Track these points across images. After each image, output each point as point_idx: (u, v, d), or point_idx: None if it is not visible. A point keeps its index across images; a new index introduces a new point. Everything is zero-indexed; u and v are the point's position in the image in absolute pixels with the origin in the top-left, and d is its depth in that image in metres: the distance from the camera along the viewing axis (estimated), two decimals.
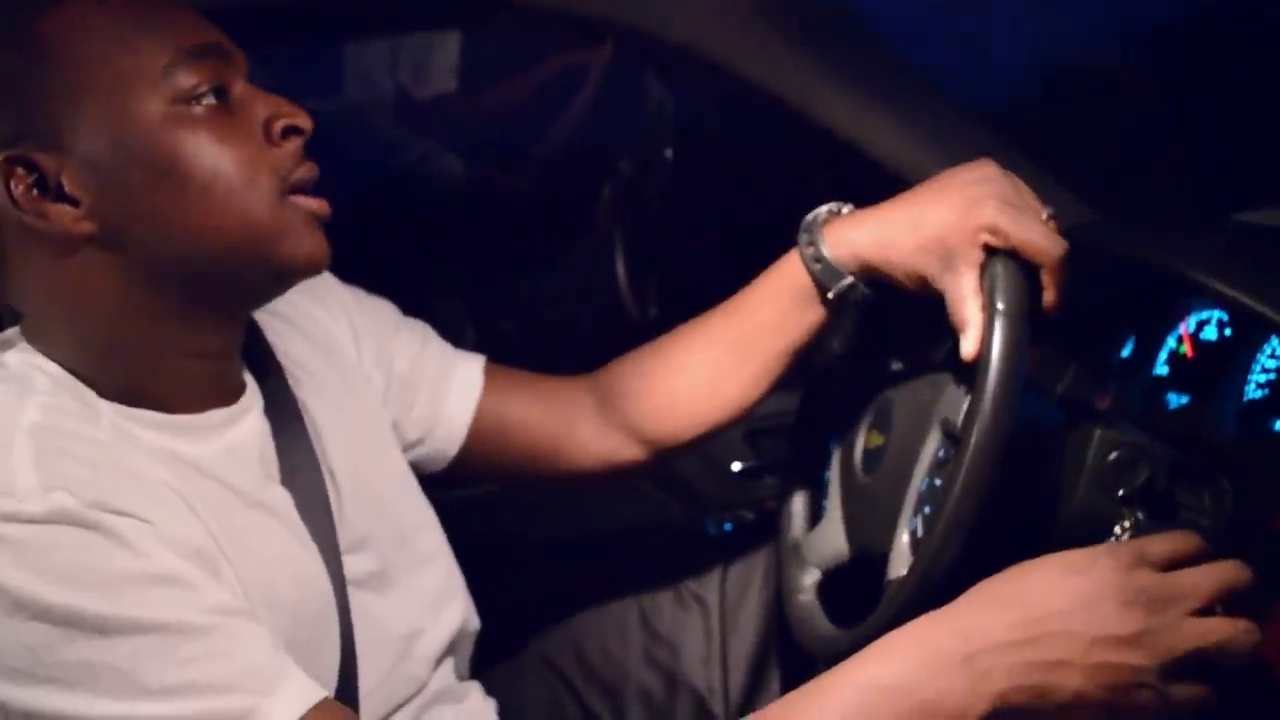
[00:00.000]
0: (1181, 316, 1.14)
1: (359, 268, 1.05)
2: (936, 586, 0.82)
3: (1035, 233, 0.86)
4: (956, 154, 1.20)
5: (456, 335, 1.98)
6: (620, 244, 2.02)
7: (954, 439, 0.87)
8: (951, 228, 0.87)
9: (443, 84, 2.08)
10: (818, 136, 1.26)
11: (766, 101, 1.25)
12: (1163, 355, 1.16)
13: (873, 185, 1.26)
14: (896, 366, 1.06)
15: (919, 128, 1.21)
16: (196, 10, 0.81)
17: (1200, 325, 1.13)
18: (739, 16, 1.20)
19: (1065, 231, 0.90)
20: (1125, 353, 1.20)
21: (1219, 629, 0.73)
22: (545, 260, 1.99)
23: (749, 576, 1.21)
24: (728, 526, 1.40)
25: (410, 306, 1.10)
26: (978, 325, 0.85)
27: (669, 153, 1.99)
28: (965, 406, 0.85)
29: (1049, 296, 0.87)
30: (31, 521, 0.69)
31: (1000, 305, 0.83)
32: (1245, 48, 1.20)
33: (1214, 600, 0.74)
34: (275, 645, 0.75)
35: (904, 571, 0.88)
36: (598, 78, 1.92)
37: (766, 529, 1.20)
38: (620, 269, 2.01)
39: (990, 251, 0.86)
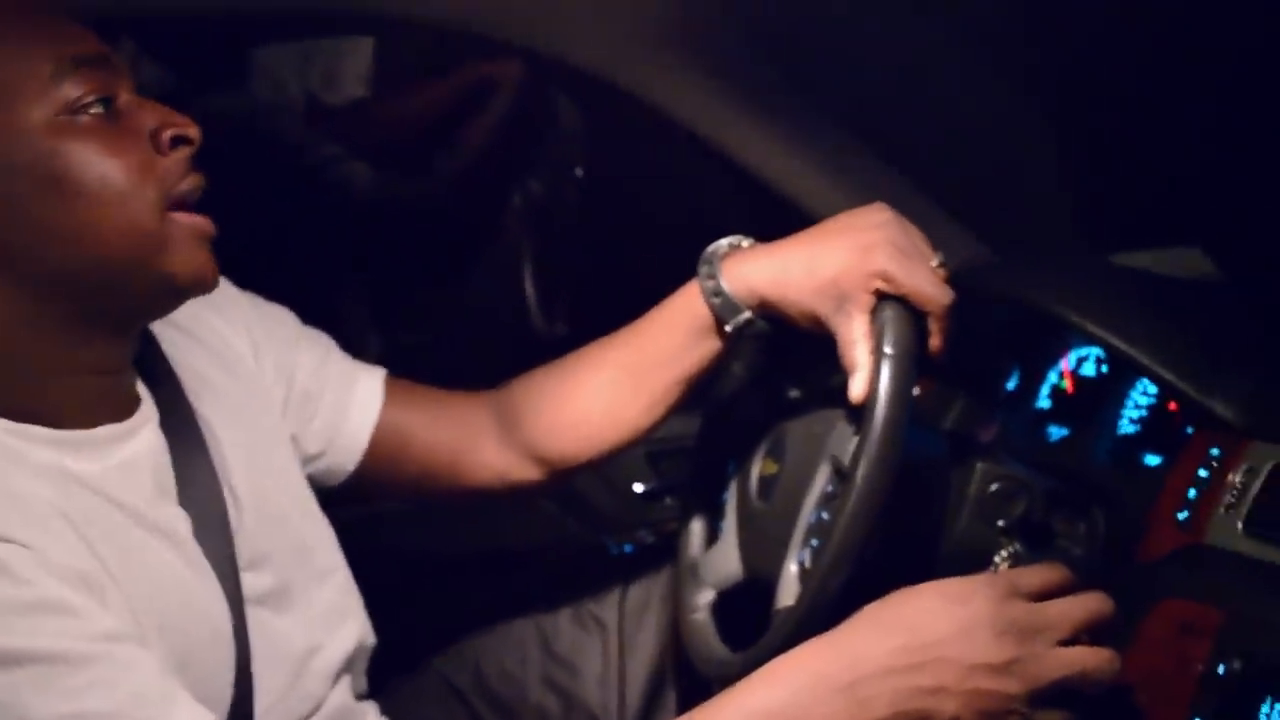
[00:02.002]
0: (1063, 352, 1.20)
1: (261, 272, 1.04)
2: (822, 617, 0.85)
3: (924, 281, 0.89)
4: (853, 187, 1.25)
5: (360, 343, 1.97)
6: (529, 260, 2.03)
7: (842, 476, 0.90)
8: (845, 272, 0.90)
9: (354, 90, 2.07)
10: (722, 163, 1.29)
11: (673, 128, 1.27)
12: (1045, 389, 1.22)
13: (777, 213, 1.30)
14: (795, 394, 1.09)
15: (818, 162, 1.25)
16: (76, 19, 0.80)
17: (1080, 361, 1.18)
18: (644, 45, 1.22)
19: (954, 270, 0.94)
20: (1010, 385, 1.26)
21: (1083, 658, 0.78)
22: (451, 272, 1.99)
23: (648, 598, 1.22)
24: (628, 548, 1.42)
25: (313, 313, 1.09)
26: (866, 368, 0.88)
27: (579, 171, 2.01)
28: (853, 447, 0.88)
29: (935, 342, 0.91)
30: None
31: (888, 350, 0.86)
32: (1130, 91, 1.25)
33: (1080, 630, 0.79)
34: (163, 671, 0.74)
35: (791, 601, 0.90)
36: (509, 90, 1.92)
37: (666, 551, 1.22)
38: (529, 285, 2.02)
39: (881, 296, 0.89)
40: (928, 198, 1.25)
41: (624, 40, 1.21)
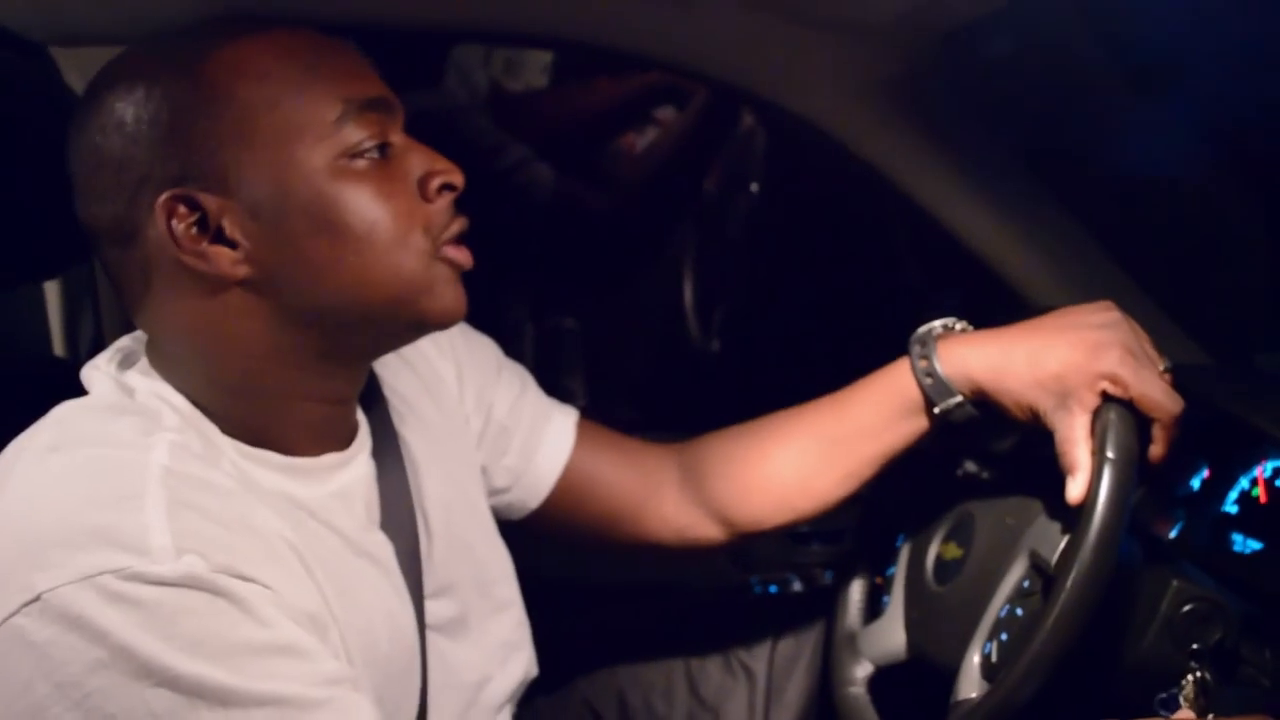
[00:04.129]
0: (1260, 459, 1.15)
1: None
2: (1009, 718, 0.83)
3: (1155, 388, 0.87)
4: (1066, 270, 1.21)
5: (517, 337, 1.98)
6: (691, 268, 2.01)
7: (1043, 574, 0.88)
8: (1072, 369, 0.88)
9: (535, 80, 2.08)
10: (910, 215, 1.27)
11: (860, 167, 1.25)
12: (1234, 494, 1.16)
13: (957, 267, 1.26)
14: (971, 468, 1.07)
15: (1030, 237, 1.21)
16: (361, 57, 0.81)
17: (1276, 472, 1.13)
18: (853, 93, 1.19)
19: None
20: (1195, 483, 1.21)
21: None
22: (616, 275, 1.99)
23: (798, 653, 1.21)
24: (774, 588, 1.41)
25: (474, 305, 1.09)
26: (1086, 470, 0.86)
27: (754, 186, 1.98)
28: (1061, 546, 0.86)
29: (1156, 450, 0.89)
30: (162, 584, 0.68)
31: (1111, 454, 0.84)
32: None
33: None
34: (375, 713, 0.75)
35: (973, 694, 0.89)
36: (700, 100, 1.88)
37: (817, 602, 1.21)
38: (688, 293, 2.01)
39: (1106, 398, 0.87)
40: (1145, 291, 1.20)
41: (833, 87, 1.19)
